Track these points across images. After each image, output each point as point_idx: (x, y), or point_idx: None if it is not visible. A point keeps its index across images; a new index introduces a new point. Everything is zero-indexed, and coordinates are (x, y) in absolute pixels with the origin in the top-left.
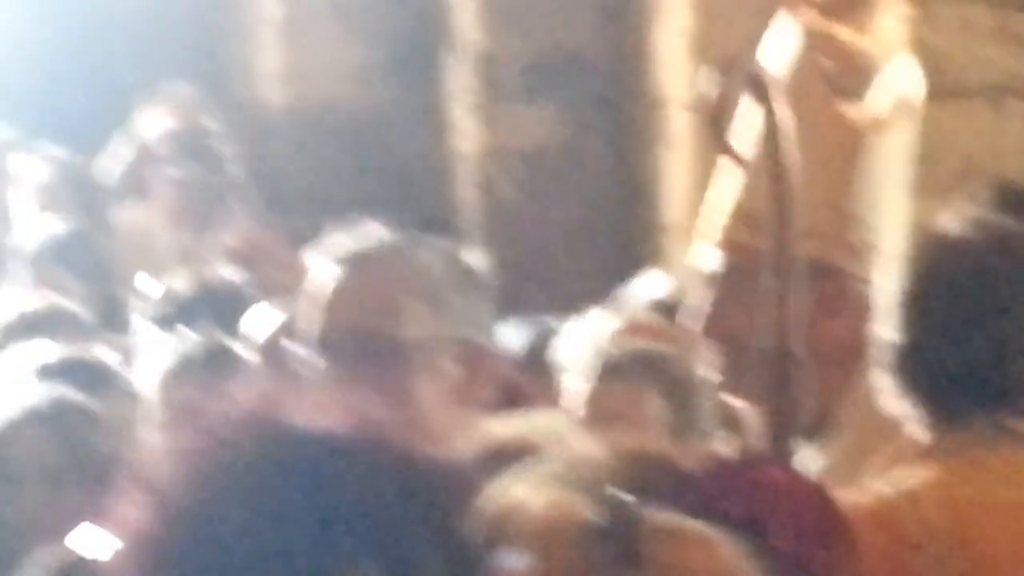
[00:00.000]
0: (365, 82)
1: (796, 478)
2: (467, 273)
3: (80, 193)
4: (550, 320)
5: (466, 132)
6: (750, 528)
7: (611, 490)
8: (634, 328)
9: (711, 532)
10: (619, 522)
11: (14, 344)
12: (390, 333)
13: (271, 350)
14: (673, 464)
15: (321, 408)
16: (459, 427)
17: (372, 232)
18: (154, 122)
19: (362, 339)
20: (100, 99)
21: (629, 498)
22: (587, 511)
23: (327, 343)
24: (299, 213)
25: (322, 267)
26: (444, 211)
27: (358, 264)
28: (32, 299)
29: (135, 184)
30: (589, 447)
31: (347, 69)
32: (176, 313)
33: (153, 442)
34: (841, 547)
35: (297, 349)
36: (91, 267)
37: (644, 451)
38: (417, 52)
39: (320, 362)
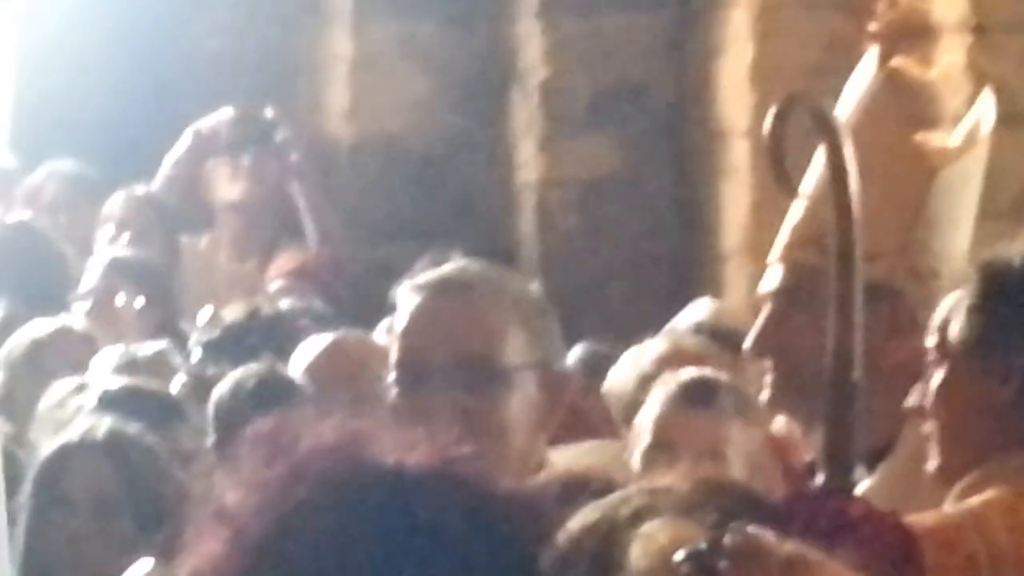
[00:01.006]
0: (431, 116)
1: (871, 508)
2: (543, 302)
3: (154, 225)
4: (603, 347)
5: (529, 164)
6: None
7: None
8: (680, 355)
9: (814, 554)
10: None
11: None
12: (488, 359)
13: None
14: (750, 493)
15: (401, 443)
16: (536, 457)
17: (457, 262)
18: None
19: (463, 366)
20: (171, 136)
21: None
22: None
23: (405, 369)
24: (367, 245)
25: (405, 296)
26: (506, 242)
27: (442, 291)
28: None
29: (187, 176)
30: (670, 478)
31: (414, 103)
32: (231, 343)
33: (230, 474)
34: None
35: (388, 377)
36: (159, 297)
37: (722, 481)
38: (483, 86)
39: (394, 389)
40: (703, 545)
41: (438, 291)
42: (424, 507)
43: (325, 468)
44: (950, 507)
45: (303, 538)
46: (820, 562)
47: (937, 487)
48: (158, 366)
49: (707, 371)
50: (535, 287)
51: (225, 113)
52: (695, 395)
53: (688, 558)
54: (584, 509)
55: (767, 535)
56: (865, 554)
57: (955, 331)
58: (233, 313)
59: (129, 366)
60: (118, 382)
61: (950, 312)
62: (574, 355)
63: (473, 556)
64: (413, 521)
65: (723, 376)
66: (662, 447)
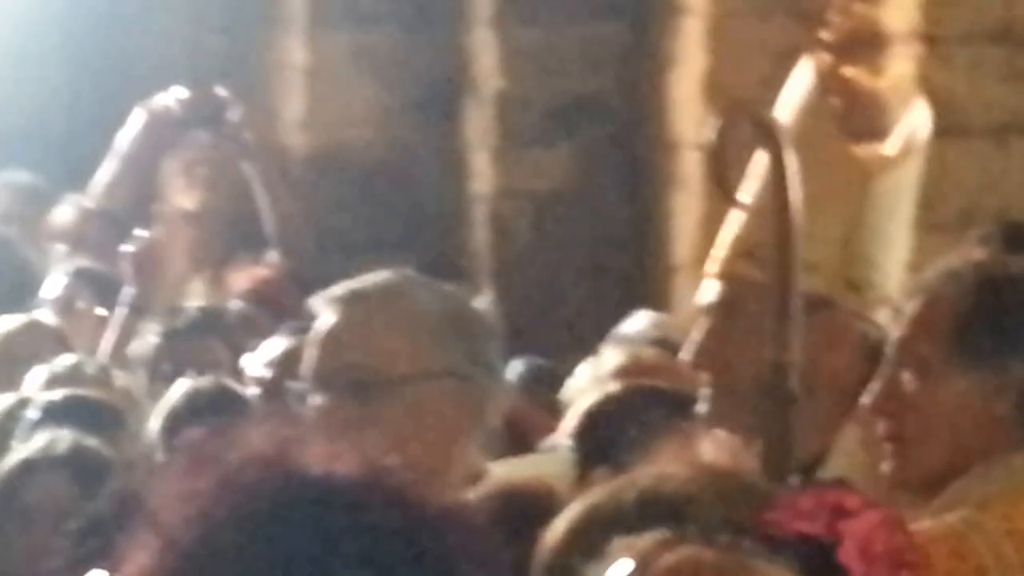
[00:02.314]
0: (386, 126)
1: (868, 502)
2: (471, 314)
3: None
4: (553, 361)
5: (483, 174)
6: (823, 547)
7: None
8: (639, 366)
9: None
10: None
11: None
12: (372, 368)
13: (273, 389)
14: (751, 485)
15: (330, 454)
16: (460, 468)
17: (377, 274)
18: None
19: (351, 376)
20: None
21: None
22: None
23: (320, 380)
24: (318, 255)
25: (321, 307)
26: (459, 252)
27: (351, 303)
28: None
29: (141, 161)
30: (673, 467)
31: (368, 113)
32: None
33: (161, 485)
34: (910, 571)
35: (297, 387)
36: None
37: (723, 472)
38: (437, 96)
39: (316, 400)
40: (632, 563)
41: (336, 303)
42: (353, 518)
43: (254, 478)
44: (948, 516)
45: (232, 549)
46: (763, 569)
47: (892, 490)
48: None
49: (650, 382)
50: (482, 300)
51: (177, 92)
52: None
53: None
54: (590, 493)
55: (697, 548)
56: (858, 543)
57: (941, 338)
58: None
59: (56, 381)
60: (60, 393)
61: (926, 316)
62: (516, 369)
63: (402, 567)
64: (342, 532)
65: (669, 386)
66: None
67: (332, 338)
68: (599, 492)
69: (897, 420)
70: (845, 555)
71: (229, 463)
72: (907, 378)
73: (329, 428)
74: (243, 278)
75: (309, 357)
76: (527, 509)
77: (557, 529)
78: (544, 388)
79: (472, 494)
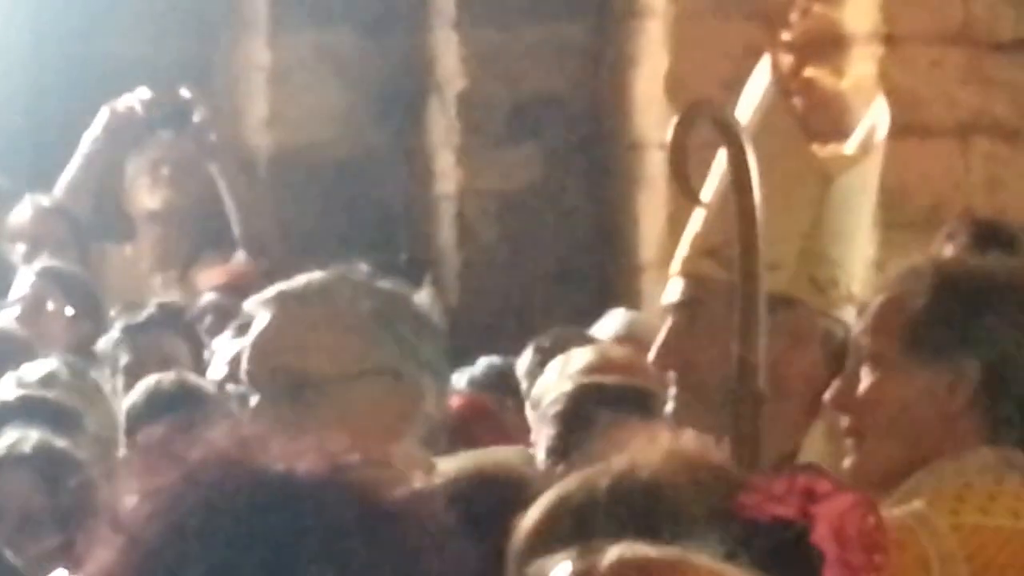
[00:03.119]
0: (349, 126)
1: (840, 485)
2: (408, 311)
3: (67, 239)
4: (505, 359)
5: (447, 174)
6: (796, 530)
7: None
8: (608, 363)
9: (698, 558)
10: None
11: None
12: (302, 369)
13: (222, 387)
14: (723, 470)
15: (291, 451)
16: (406, 465)
17: (312, 274)
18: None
19: (284, 377)
20: None
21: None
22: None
23: (255, 382)
24: (284, 254)
25: (255, 308)
26: (424, 252)
27: (283, 304)
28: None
29: (104, 161)
30: (646, 452)
31: (332, 113)
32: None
33: (124, 481)
34: (882, 553)
35: (238, 389)
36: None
37: (695, 458)
38: (401, 96)
39: (254, 399)
40: (580, 562)
41: (269, 304)
42: (314, 514)
43: (216, 475)
44: (896, 510)
45: (195, 545)
46: (707, 565)
47: (853, 485)
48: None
49: (614, 378)
50: (407, 296)
51: (142, 93)
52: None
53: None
54: (563, 481)
55: (642, 548)
56: (831, 524)
57: (897, 335)
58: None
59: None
60: (16, 392)
61: (883, 313)
62: (483, 367)
63: (365, 562)
64: (304, 528)
65: (636, 383)
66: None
67: (266, 339)
68: (572, 480)
69: (856, 416)
70: (819, 537)
71: (191, 460)
72: (865, 374)
73: (303, 433)
74: (217, 273)
75: (245, 359)
76: (497, 494)
77: (531, 517)
78: (512, 386)
79: (441, 479)
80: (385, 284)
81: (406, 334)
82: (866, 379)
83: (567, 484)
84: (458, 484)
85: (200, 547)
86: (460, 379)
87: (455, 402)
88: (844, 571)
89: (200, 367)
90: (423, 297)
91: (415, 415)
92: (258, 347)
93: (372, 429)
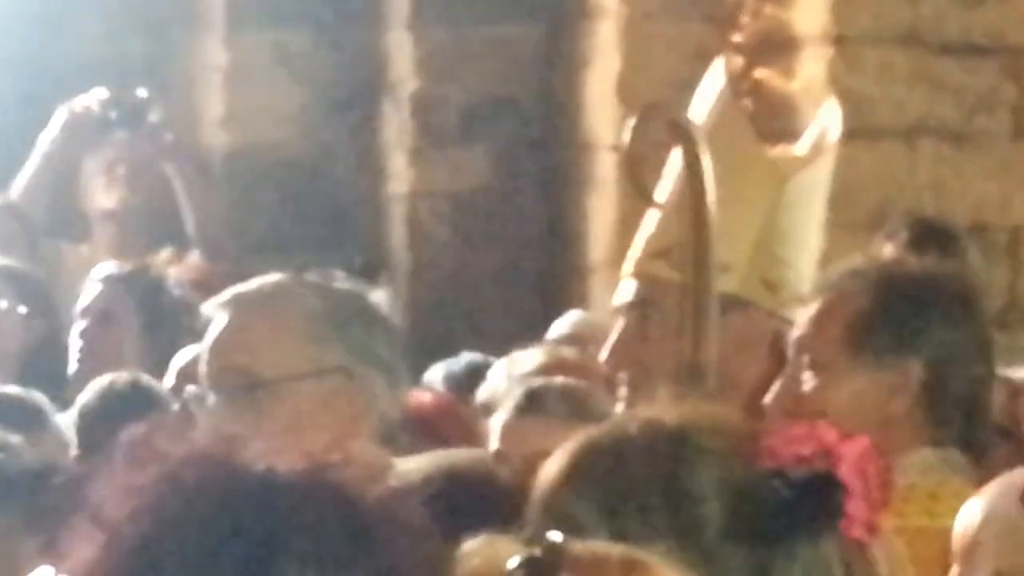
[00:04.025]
0: (304, 126)
1: (844, 432)
2: (362, 312)
3: (16, 235)
4: (484, 358)
5: (400, 175)
6: (820, 466)
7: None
8: (557, 364)
9: (642, 555)
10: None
11: None
12: (254, 370)
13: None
14: (736, 418)
15: (272, 450)
16: (362, 464)
17: (266, 277)
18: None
19: (238, 378)
20: None
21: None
22: (512, 556)
23: (211, 383)
24: (239, 254)
25: (212, 311)
26: (378, 252)
27: (237, 307)
28: None
29: (61, 161)
30: (668, 407)
31: (287, 113)
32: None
33: (106, 478)
34: (890, 492)
35: (195, 391)
36: (43, 308)
37: (711, 409)
38: (355, 96)
39: (210, 400)
40: (538, 552)
41: (224, 307)
42: (294, 513)
43: (198, 474)
44: None
45: (177, 543)
46: (654, 564)
47: None
48: None
49: (548, 380)
50: (361, 297)
51: (99, 93)
52: (524, 403)
53: (522, 565)
54: (584, 431)
55: (600, 542)
56: (852, 461)
57: (839, 336)
58: None
59: None
60: None
61: (824, 315)
62: (451, 367)
63: (345, 561)
64: (283, 527)
65: (569, 383)
66: (501, 454)
67: (219, 341)
68: (597, 428)
69: (796, 418)
70: (844, 473)
71: (173, 458)
72: (807, 376)
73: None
74: (183, 269)
75: (201, 361)
76: (472, 492)
77: (557, 461)
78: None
79: (415, 476)
80: (340, 285)
81: (359, 334)
82: (808, 381)
83: (591, 432)
84: (433, 482)
85: (181, 544)
86: (437, 375)
87: (423, 400)
88: (866, 505)
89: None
90: (379, 297)
91: (368, 414)
92: (213, 349)
93: (325, 428)
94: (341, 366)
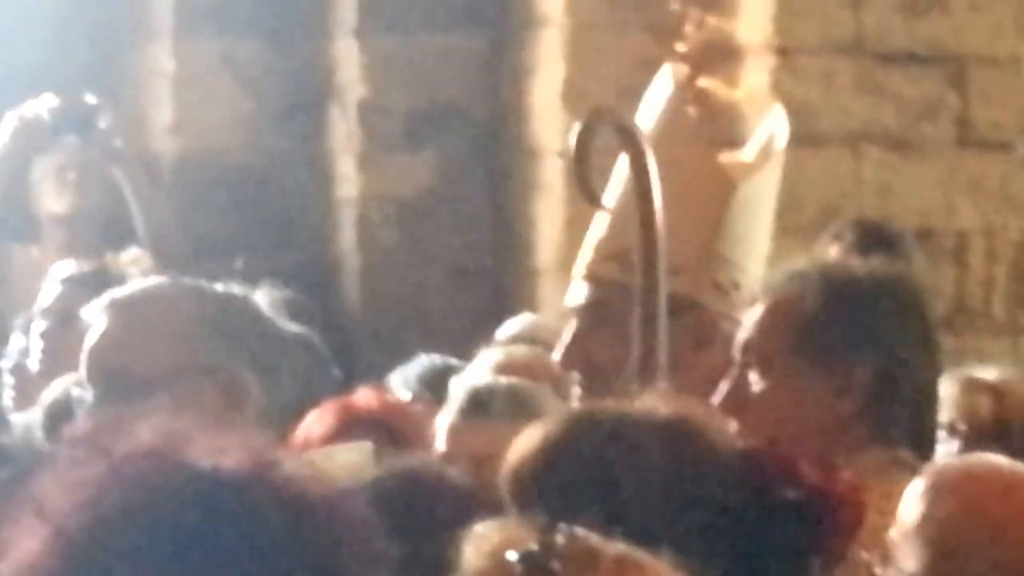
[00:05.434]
0: (252, 132)
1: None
2: (241, 313)
3: None
4: (449, 361)
5: (348, 180)
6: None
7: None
8: (511, 366)
9: (640, 554)
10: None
11: None
12: (129, 369)
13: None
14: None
15: (217, 447)
16: None
17: (147, 280)
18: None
19: (115, 377)
20: None
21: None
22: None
23: (90, 382)
24: (188, 258)
25: (93, 315)
26: (327, 256)
27: (116, 309)
28: None
29: (11, 167)
30: (650, 405)
31: (235, 120)
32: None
33: (49, 473)
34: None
35: (79, 393)
36: None
37: (702, 408)
38: (302, 103)
39: (89, 399)
40: (535, 546)
41: (105, 310)
42: (239, 509)
43: (143, 469)
44: None
45: (120, 538)
46: (649, 562)
47: None
48: None
49: (493, 380)
50: (241, 299)
51: (48, 99)
52: (468, 405)
53: (521, 559)
54: (567, 414)
55: (596, 536)
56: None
57: (785, 338)
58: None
59: None
60: None
61: (770, 317)
62: (415, 368)
63: (289, 558)
64: (228, 524)
65: (514, 384)
66: (447, 456)
67: (97, 343)
68: (586, 409)
69: (743, 420)
70: (832, 502)
71: (118, 453)
72: (753, 378)
73: (228, 430)
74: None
75: (80, 363)
76: (422, 493)
77: (529, 443)
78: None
79: (365, 478)
80: (219, 288)
81: (235, 334)
82: (755, 383)
83: (577, 414)
84: (383, 482)
85: (124, 540)
86: (396, 377)
87: (381, 402)
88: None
89: None
90: (261, 297)
91: (242, 411)
92: (91, 350)
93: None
94: (215, 366)
